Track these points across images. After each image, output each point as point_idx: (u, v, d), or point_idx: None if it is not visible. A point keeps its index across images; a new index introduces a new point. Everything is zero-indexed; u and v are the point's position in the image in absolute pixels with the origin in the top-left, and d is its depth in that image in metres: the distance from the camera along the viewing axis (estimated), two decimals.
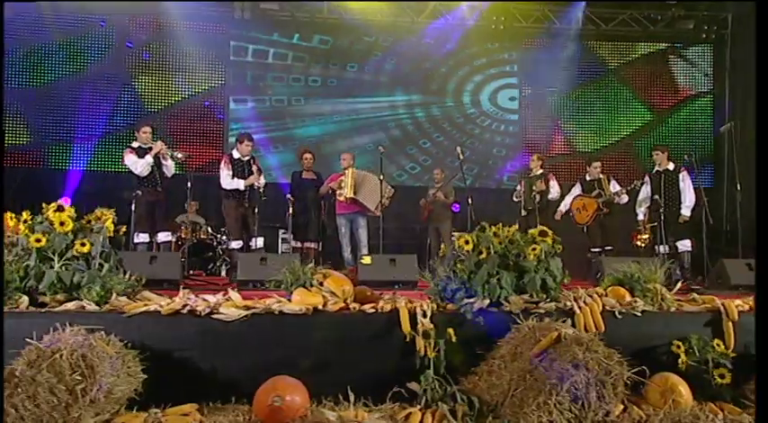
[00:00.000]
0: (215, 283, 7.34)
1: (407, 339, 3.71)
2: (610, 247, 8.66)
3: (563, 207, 9.08)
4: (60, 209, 3.99)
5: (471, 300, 3.92)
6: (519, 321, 3.84)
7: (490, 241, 4.03)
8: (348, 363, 3.78)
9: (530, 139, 12.58)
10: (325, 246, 8.96)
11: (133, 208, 7.13)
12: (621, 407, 3.43)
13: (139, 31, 11.50)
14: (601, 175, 8.95)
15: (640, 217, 8.83)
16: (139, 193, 7.30)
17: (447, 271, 4.10)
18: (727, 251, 8.55)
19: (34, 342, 3.18)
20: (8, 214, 3.98)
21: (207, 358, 3.72)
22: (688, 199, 8.27)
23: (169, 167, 7.72)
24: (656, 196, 8.05)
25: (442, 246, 4.42)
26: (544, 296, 4.01)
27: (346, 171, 8.43)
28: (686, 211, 8.25)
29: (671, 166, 8.50)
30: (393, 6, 11.99)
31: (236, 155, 7.79)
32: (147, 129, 7.74)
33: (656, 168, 8.61)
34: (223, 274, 9.87)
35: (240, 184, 7.67)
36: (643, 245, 8.92)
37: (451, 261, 9.17)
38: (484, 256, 4.03)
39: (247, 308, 3.79)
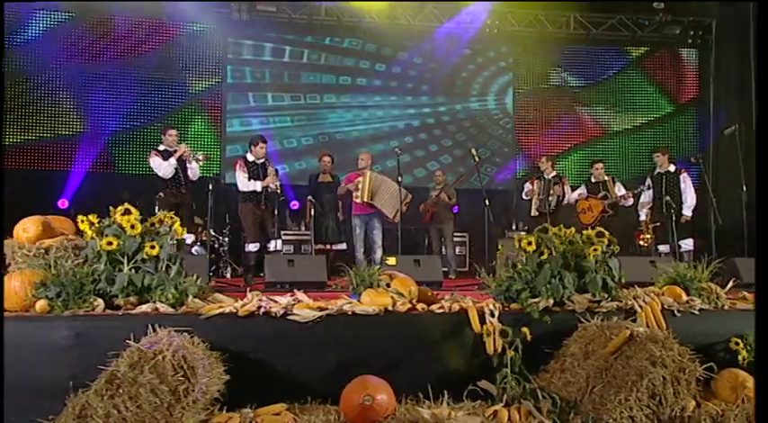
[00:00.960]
0: (235, 284, 7.35)
1: (483, 338, 3.79)
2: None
3: (566, 201, 9.31)
4: (128, 212, 4.00)
5: (536, 299, 4.02)
6: (582, 320, 3.97)
7: (552, 242, 4.13)
8: (421, 362, 3.86)
9: (527, 141, 12.79)
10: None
11: (157, 210, 7.11)
12: (694, 403, 3.55)
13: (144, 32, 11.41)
14: (606, 178, 9.18)
15: (642, 217, 9.04)
16: (162, 194, 7.31)
17: (510, 271, 4.18)
18: (723, 250, 8.74)
19: (135, 344, 3.20)
20: (79, 217, 3.97)
21: (283, 359, 3.76)
22: (689, 199, 8.55)
23: (194, 170, 7.75)
24: (668, 198, 8.26)
25: (501, 247, 4.49)
26: (605, 295, 4.12)
27: (364, 172, 8.42)
28: (687, 212, 8.53)
29: (671, 168, 8.76)
30: (388, 9, 12.05)
31: (250, 158, 7.78)
32: (173, 131, 7.82)
33: (658, 170, 8.87)
34: (228, 275, 9.85)
35: (257, 185, 7.67)
36: (646, 245, 9.11)
37: (452, 259, 9.33)
38: (545, 256, 4.13)
39: (321, 309, 3.84)
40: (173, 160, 7.54)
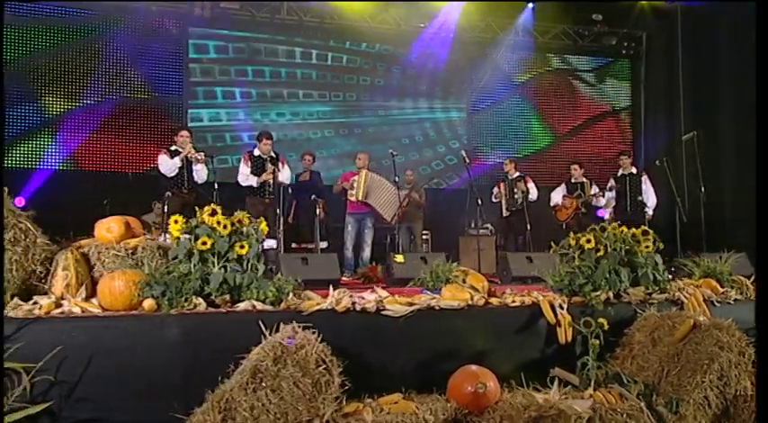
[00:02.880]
0: None
1: (561, 329, 4.12)
2: None
3: (553, 202, 9.82)
4: (214, 213, 4.10)
5: (597, 292, 4.38)
6: (638, 311, 4.37)
7: (609, 240, 4.50)
8: (502, 351, 4.16)
9: (481, 144, 13.31)
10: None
11: (166, 209, 7.10)
12: (750, 383, 3.98)
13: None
14: (584, 179, 9.74)
15: (606, 217, 9.62)
16: (170, 194, 7.32)
17: (571, 267, 4.52)
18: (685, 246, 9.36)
19: (276, 339, 3.33)
20: (173, 218, 4.03)
21: (378, 352, 3.95)
22: (650, 200, 9.15)
23: (200, 173, 7.79)
24: (640, 198, 8.84)
25: (553, 245, 4.82)
26: (656, 288, 4.53)
27: (360, 172, 8.59)
28: (649, 211, 9.13)
29: (634, 170, 9.39)
30: (349, 10, 12.25)
31: (256, 152, 7.96)
32: (185, 133, 7.95)
33: (621, 172, 9.51)
34: None
35: (254, 180, 7.83)
36: None
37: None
38: (601, 253, 4.50)
39: (410, 304, 4.06)
40: (177, 160, 7.63)
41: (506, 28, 13.27)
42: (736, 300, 4.70)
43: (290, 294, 4.02)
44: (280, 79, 12.31)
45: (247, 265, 4.11)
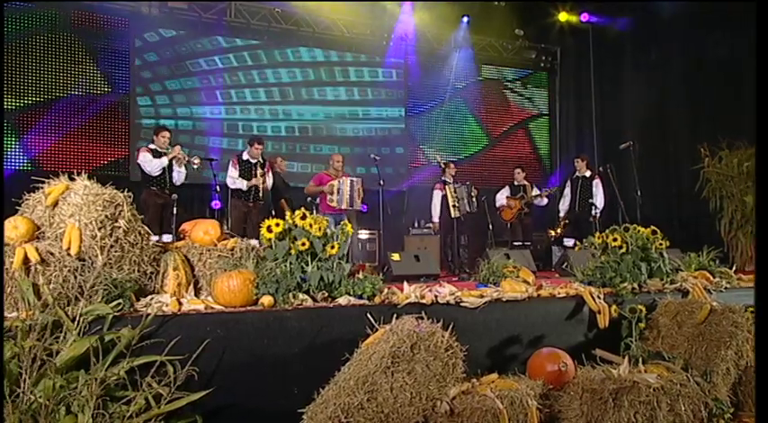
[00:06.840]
0: None
1: (600, 316, 4.81)
2: (528, 243, 10.20)
3: (498, 203, 10.55)
4: (304, 217, 4.50)
5: (624, 283, 5.11)
6: (656, 299, 5.14)
7: (632, 238, 5.24)
8: (555, 335, 4.80)
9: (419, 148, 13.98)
10: None
11: (175, 211, 7.25)
12: (753, 356, 4.82)
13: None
14: (525, 182, 10.56)
15: (562, 214, 10.46)
16: (176, 196, 7.42)
17: (600, 262, 5.23)
18: None
19: (407, 327, 3.80)
20: (271, 222, 4.39)
21: (462, 338, 4.48)
22: (598, 202, 10.01)
23: (180, 175, 7.94)
24: (591, 200, 9.72)
25: (586, 241, 5.51)
26: (668, 279, 5.32)
27: (341, 178, 8.83)
28: (597, 213, 9.99)
29: (588, 174, 10.24)
30: (296, 14, 12.60)
31: (244, 156, 8.15)
32: (166, 133, 7.96)
33: (576, 174, 10.33)
34: None
35: (243, 184, 8.07)
36: (555, 235, 10.53)
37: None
38: (624, 250, 5.23)
39: (481, 296, 4.62)
40: (165, 160, 7.69)
41: (440, 39, 14.03)
42: (726, 288, 5.56)
43: (386, 289, 4.47)
44: (228, 80, 12.43)
45: (333, 264, 4.53)
